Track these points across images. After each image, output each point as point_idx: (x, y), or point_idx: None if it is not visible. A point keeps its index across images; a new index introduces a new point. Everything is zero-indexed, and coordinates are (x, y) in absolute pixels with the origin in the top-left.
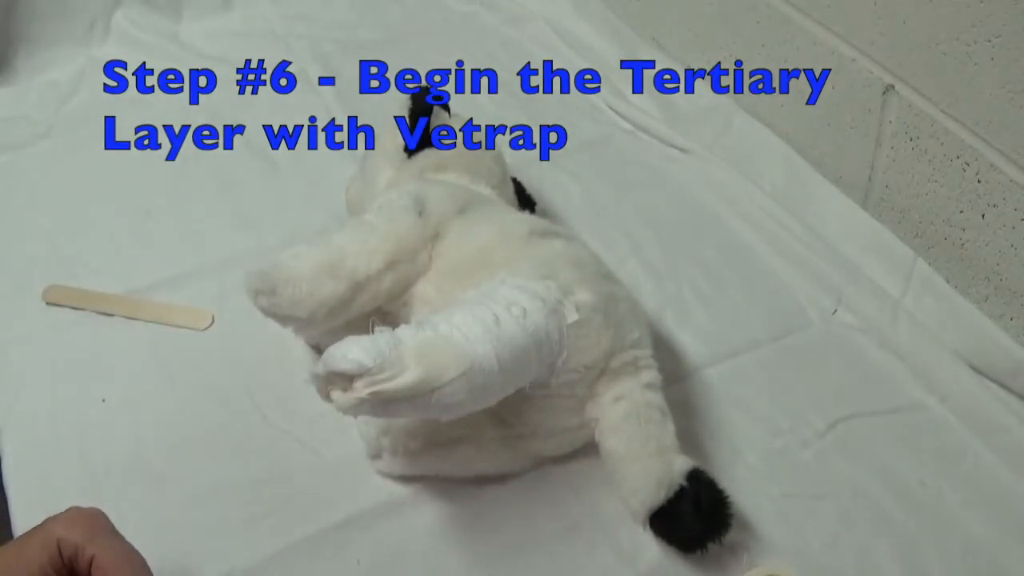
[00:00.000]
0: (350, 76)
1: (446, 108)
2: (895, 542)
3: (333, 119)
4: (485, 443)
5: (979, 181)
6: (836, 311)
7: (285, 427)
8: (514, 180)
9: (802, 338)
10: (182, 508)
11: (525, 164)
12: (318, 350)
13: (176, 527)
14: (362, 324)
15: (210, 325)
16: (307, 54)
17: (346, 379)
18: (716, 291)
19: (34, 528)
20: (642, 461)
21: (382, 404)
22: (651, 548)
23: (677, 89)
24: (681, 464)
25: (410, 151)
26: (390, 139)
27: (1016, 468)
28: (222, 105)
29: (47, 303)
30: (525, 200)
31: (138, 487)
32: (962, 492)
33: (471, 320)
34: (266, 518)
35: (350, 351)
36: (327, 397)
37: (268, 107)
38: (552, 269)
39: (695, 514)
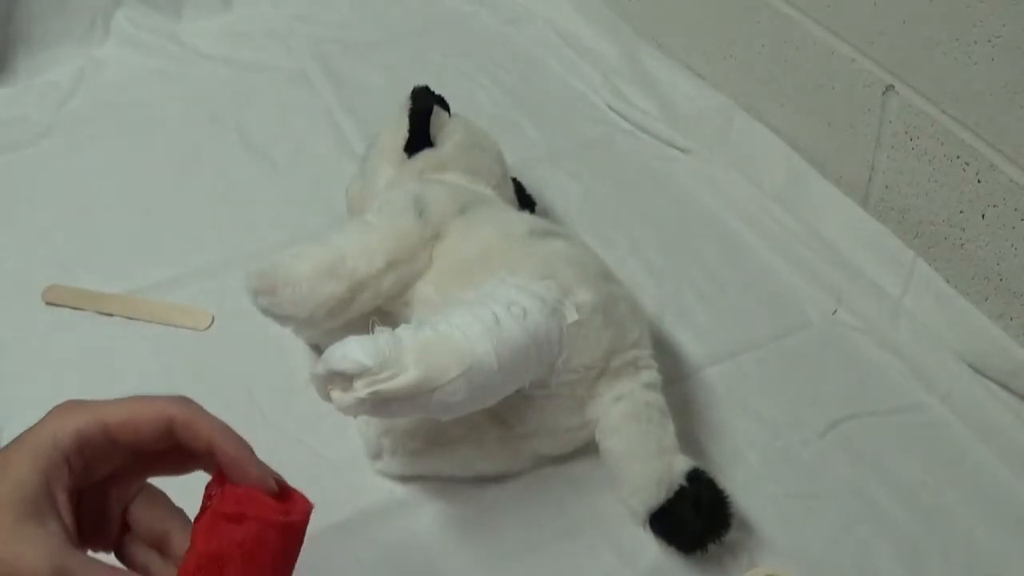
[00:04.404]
0: (350, 76)
1: (446, 108)
2: (895, 542)
3: (333, 119)
4: (485, 443)
5: (979, 181)
6: (836, 311)
7: (285, 427)
8: (514, 180)
9: (802, 338)
10: (182, 508)
11: (525, 164)
12: (318, 350)
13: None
14: (362, 324)
15: (210, 325)
16: (307, 54)
17: (346, 379)
18: (716, 291)
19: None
20: (642, 461)
21: (382, 404)
22: (651, 548)
23: (677, 89)
24: (681, 464)
25: (410, 151)
26: (390, 139)
27: (1016, 468)
28: (222, 105)
29: (47, 303)
30: (525, 200)
31: None
32: (962, 492)
33: (471, 320)
34: None
35: (350, 351)
36: (327, 397)
37: (268, 107)
38: (552, 269)
39: (695, 514)
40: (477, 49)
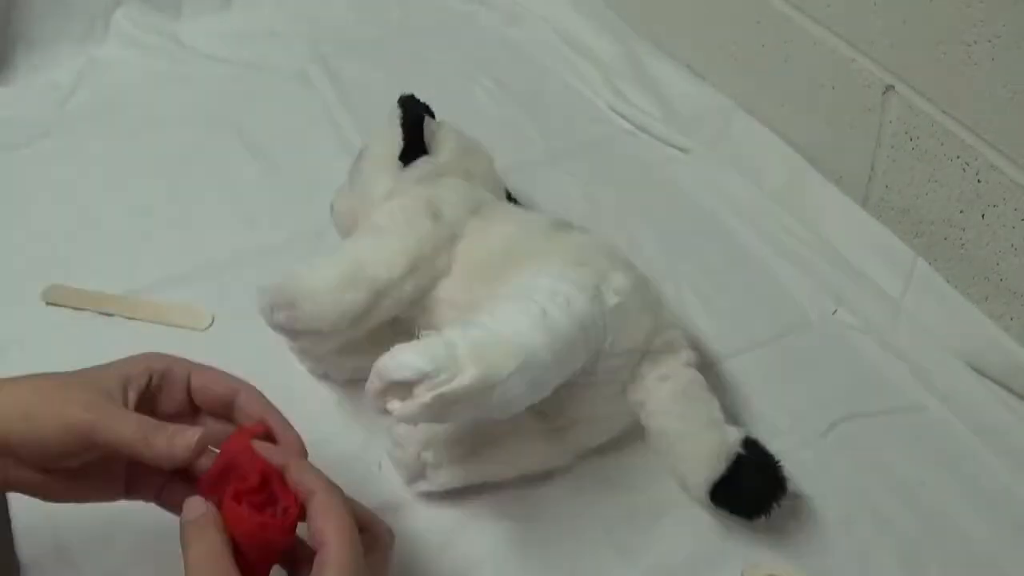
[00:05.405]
0: (350, 76)
1: (431, 115)
2: (895, 542)
3: (333, 119)
4: (528, 437)
5: (979, 181)
6: (836, 311)
7: None
8: None
9: (802, 338)
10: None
11: (525, 164)
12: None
13: (176, 527)
14: (380, 333)
15: (210, 325)
16: (307, 54)
17: (405, 387)
18: (716, 291)
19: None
20: (697, 436)
21: (444, 407)
22: (651, 548)
23: (677, 89)
24: (734, 434)
25: (406, 160)
26: (383, 149)
27: (1016, 468)
28: (222, 105)
29: (47, 303)
30: (512, 203)
31: None
32: (962, 492)
33: (517, 314)
34: None
35: (405, 358)
36: (383, 410)
37: (268, 107)
38: (583, 257)
39: (758, 480)
40: (477, 49)
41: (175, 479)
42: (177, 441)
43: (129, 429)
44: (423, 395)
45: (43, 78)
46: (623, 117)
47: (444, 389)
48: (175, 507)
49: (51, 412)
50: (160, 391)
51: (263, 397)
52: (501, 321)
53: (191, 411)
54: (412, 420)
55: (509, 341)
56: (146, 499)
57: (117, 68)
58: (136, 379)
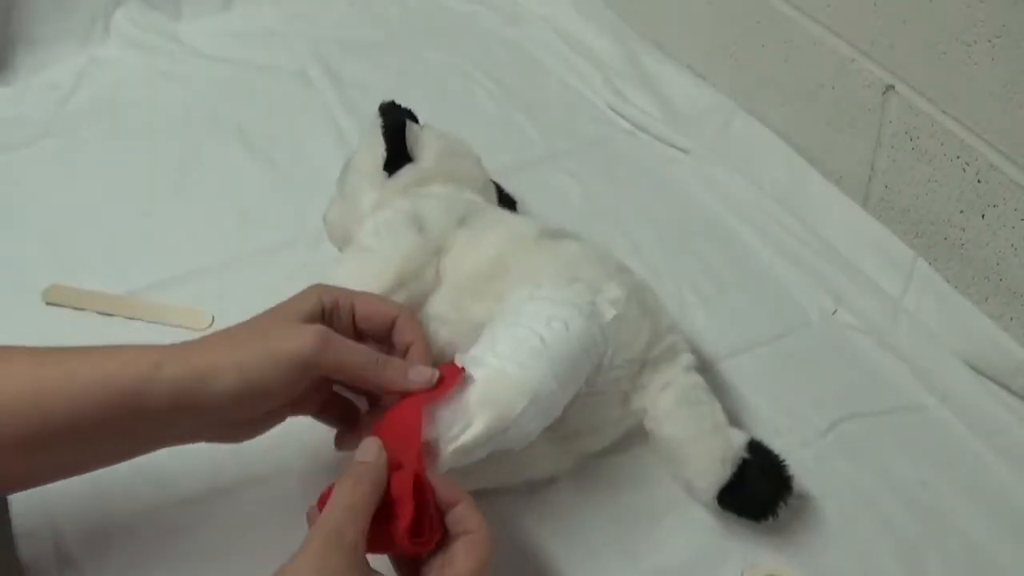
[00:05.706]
0: (350, 76)
1: (414, 120)
2: (895, 542)
3: (333, 119)
4: (533, 445)
5: (979, 181)
6: (836, 311)
7: (285, 427)
8: (493, 182)
9: (802, 338)
10: (182, 508)
11: (525, 164)
12: None
13: (176, 528)
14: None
15: (210, 325)
16: (307, 54)
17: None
18: (716, 291)
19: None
20: (702, 441)
21: (463, 456)
22: (653, 548)
23: (677, 89)
24: (738, 438)
25: (390, 169)
26: (367, 159)
27: (1016, 468)
28: (222, 105)
29: (47, 303)
30: (505, 200)
31: (138, 487)
32: (962, 492)
33: (516, 346)
34: (267, 519)
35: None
36: None
37: (268, 107)
38: (575, 270)
39: (764, 482)
40: (477, 49)
41: (336, 397)
42: (414, 377)
43: (360, 356)
44: (442, 452)
45: (43, 78)
46: (623, 117)
47: (459, 443)
48: (332, 419)
49: (266, 355)
50: (331, 323)
51: (416, 322)
52: (503, 356)
53: (356, 337)
54: (436, 473)
55: (515, 378)
56: (307, 414)
57: (117, 68)
58: (313, 313)
